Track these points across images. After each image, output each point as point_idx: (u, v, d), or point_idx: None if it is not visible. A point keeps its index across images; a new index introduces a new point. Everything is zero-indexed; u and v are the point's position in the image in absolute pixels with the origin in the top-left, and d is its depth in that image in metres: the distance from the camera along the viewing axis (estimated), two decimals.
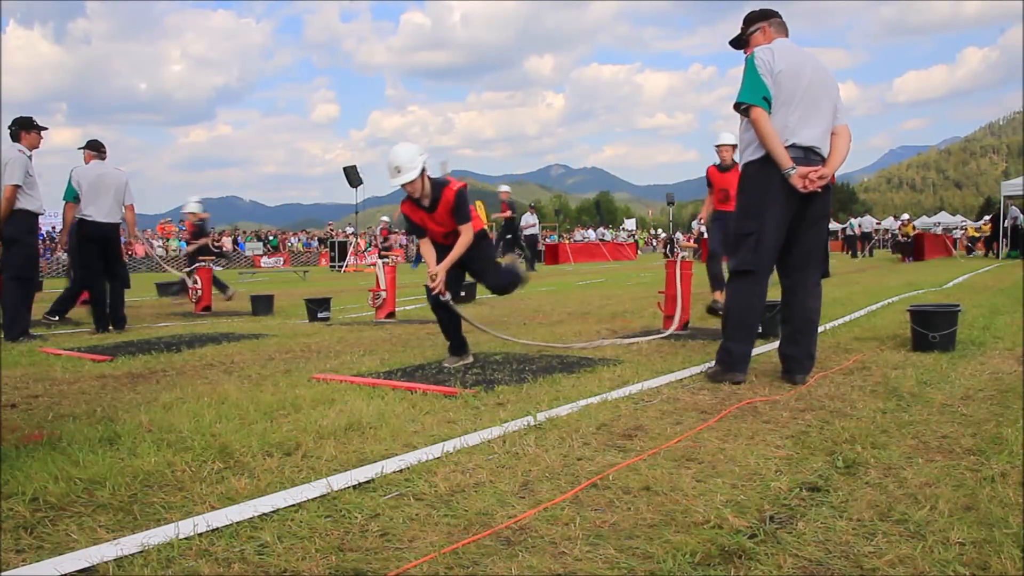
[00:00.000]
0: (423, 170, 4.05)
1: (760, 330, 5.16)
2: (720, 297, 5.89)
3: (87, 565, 1.65)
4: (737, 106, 3.54)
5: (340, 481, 2.17)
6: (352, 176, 23.37)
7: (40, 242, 6.58)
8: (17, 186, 5.97)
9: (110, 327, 6.67)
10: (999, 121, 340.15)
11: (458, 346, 4.37)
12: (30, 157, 6.21)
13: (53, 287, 9.31)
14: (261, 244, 33.54)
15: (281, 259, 31.15)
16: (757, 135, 3.45)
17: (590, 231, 42.46)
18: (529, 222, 21.98)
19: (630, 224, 48.12)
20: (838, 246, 32.26)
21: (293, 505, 2.00)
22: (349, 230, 33.00)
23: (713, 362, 3.80)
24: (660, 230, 48.17)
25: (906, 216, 25.49)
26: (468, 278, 4.60)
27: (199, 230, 11.09)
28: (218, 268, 10.03)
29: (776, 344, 4.86)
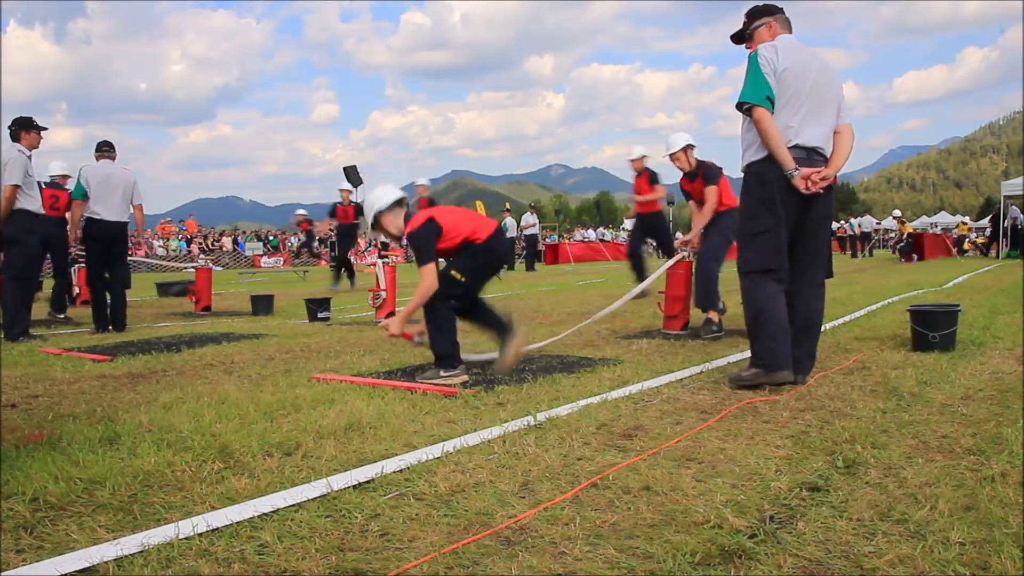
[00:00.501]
0: (384, 209, 3.91)
1: None
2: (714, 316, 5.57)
3: (87, 565, 1.65)
4: (739, 105, 3.47)
5: (340, 481, 2.17)
6: (352, 176, 23.35)
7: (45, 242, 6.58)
8: (17, 186, 5.97)
9: (109, 327, 6.67)
10: (999, 121, 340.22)
11: (501, 331, 3.92)
12: (30, 157, 6.20)
13: (50, 286, 9.29)
14: (261, 244, 33.53)
15: (281, 259, 31.16)
16: (760, 136, 3.39)
17: (590, 231, 42.44)
18: (529, 222, 21.98)
19: (630, 224, 48.18)
20: (835, 246, 32.24)
21: (293, 505, 2.00)
22: None
23: (743, 369, 3.57)
24: None
25: (897, 212, 24.52)
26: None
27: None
28: (218, 268, 10.12)
29: None
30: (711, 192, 5.63)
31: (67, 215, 7.11)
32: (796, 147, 3.40)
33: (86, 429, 2.84)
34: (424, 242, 3.72)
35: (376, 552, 1.70)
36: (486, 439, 2.63)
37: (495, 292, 10.73)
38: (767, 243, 3.44)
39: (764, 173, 3.43)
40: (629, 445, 2.54)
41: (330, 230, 12.38)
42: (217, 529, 1.84)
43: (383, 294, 7.28)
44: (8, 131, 6.32)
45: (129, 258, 7.95)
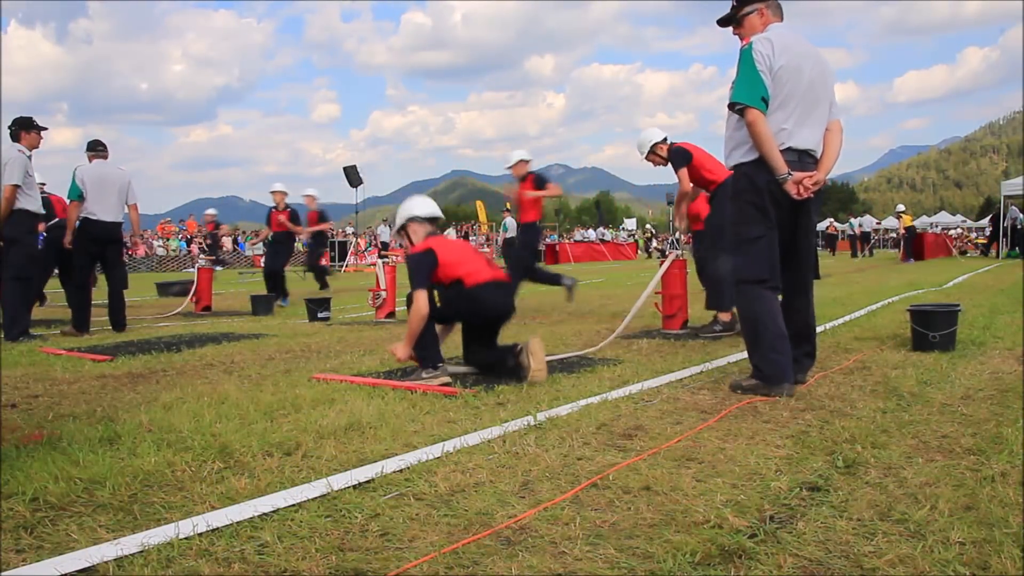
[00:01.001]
0: (401, 229, 4.03)
1: None
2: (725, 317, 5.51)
3: (87, 565, 1.65)
4: (731, 106, 3.31)
5: (340, 481, 2.17)
6: (352, 176, 23.38)
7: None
8: (17, 186, 5.97)
9: (88, 330, 6.60)
10: (999, 121, 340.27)
11: (512, 353, 3.80)
12: (30, 157, 6.20)
13: (53, 287, 9.29)
14: (261, 244, 33.55)
15: None
16: (752, 139, 3.25)
17: (590, 231, 42.43)
18: None
19: (630, 224, 48.09)
20: (844, 245, 32.10)
21: (293, 505, 2.00)
22: (349, 230, 33.01)
23: (744, 377, 3.48)
24: (650, 226, 47.96)
25: (901, 207, 23.75)
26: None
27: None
28: (218, 268, 9.97)
29: None
30: (679, 177, 5.54)
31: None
32: (788, 150, 3.28)
33: (86, 429, 2.84)
34: (417, 266, 3.75)
35: (376, 552, 1.70)
36: (486, 439, 2.63)
37: None
38: (760, 251, 3.34)
39: (754, 176, 3.31)
40: (629, 445, 2.54)
41: (266, 240, 10.99)
42: (217, 529, 1.84)
43: (383, 294, 7.29)
44: (8, 131, 6.31)
45: (129, 258, 7.94)
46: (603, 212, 54.89)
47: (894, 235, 27.32)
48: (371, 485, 2.16)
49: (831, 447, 2.44)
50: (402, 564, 1.63)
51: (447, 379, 3.71)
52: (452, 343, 4.44)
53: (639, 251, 34.50)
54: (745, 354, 4.45)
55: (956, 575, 1.53)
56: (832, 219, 35.22)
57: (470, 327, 3.94)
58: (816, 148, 3.40)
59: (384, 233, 30.41)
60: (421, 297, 3.65)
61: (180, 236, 32.11)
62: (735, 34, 3.57)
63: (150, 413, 3.10)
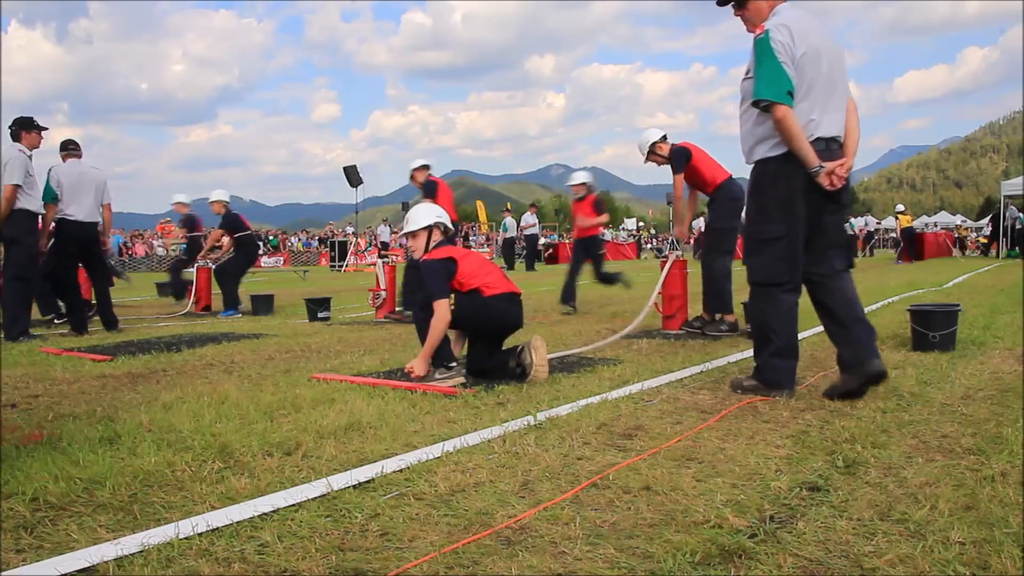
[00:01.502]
0: (428, 229, 3.96)
1: None
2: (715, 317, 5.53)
3: (87, 565, 1.65)
4: (756, 103, 3.12)
5: (340, 481, 2.17)
6: (352, 176, 23.39)
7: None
8: (17, 186, 5.97)
9: (87, 330, 6.59)
10: (999, 121, 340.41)
11: (516, 354, 3.81)
12: (30, 157, 6.20)
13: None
14: (261, 244, 33.56)
15: (281, 259, 31.17)
16: (782, 135, 3.08)
17: None
18: (529, 222, 22.00)
19: (631, 224, 48.07)
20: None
21: (293, 505, 2.00)
22: (349, 230, 33.03)
23: (746, 376, 3.39)
24: (651, 227, 47.92)
25: (900, 207, 23.47)
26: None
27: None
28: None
29: None
30: (674, 183, 5.53)
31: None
32: (817, 140, 3.11)
33: (86, 429, 2.84)
34: (437, 274, 3.72)
35: (376, 552, 1.70)
36: (486, 439, 2.63)
37: None
38: (780, 252, 3.16)
39: (782, 171, 3.13)
40: (629, 445, 2.54)
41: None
42: (217, 529, 1.84)
43: (383, 294, 7.29)
44: (8, 131, 6.31)
45: (129, 258, 7.87)
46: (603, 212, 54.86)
47: (894, 235, 27.14)
48: (371, 485, 2.16)
49: (831, 447, 2.44)
50: (402, 564, 1.63)
51: (461, 379, 3.69)
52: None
53: (639, 251, 34.49)
54: (745, 354, 4.46)
55: (956, 575, 1.53)
56: None
57: (477, 335, 3.94)
58: (841, 133, 3.25)
59: (384, 233, 30.42)
60: (444, 306, 3.65)
61: (180, 237, 32.12)
62: (736, 15, 3.39)
63: (150, 413, 3.10)
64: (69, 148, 6.76)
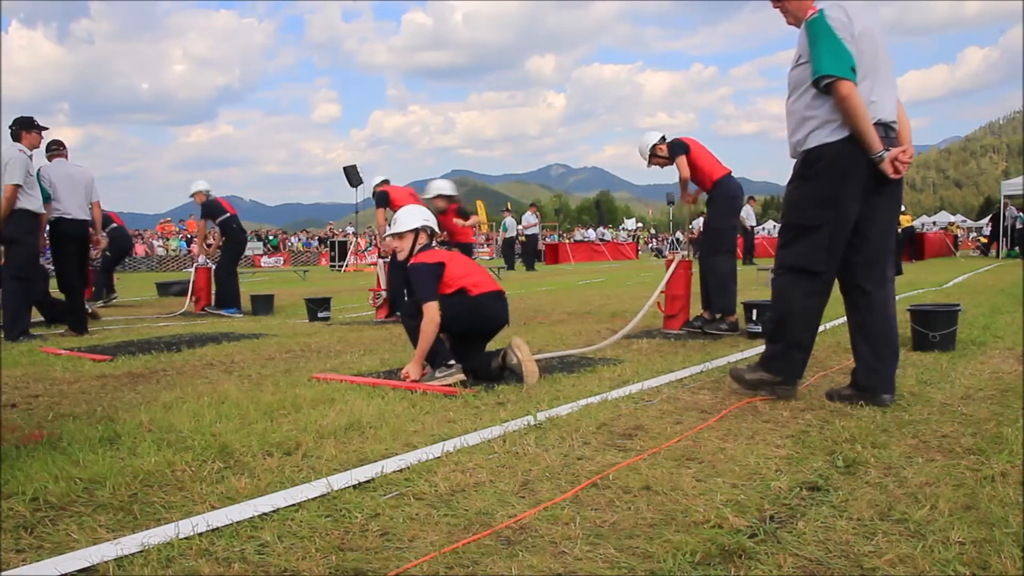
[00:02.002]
0: (415, 231, 3.96)
1: (759, 329, 5.16)
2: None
3: (87, 565, 1.65)
4: (818, 81, 2.88)
5: (340, 481, 2.17)
6: (352, 176, 23.38)
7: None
8: (18, 186, 5.97)
9: (87, 330, 6.57)
10: (999, 120, 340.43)
11: (501, 356, 3.85)
12: (31, 157, 6.21)
13: (52, 287, 9.27)
14: (261, 244, 33.55)
15: (281, 259, 31.18)
16: (845, 115, 2.86)
17: (590, 231, 42.45)
18: (530, 222, 22.00)
19: (631, 223, 48.08)
20: None
21: (293, 505, 2.00)
22: (349, 230, 33.03)
23: (749, 367, 3.26)
24: (654, 229, 47.94)
25: (901, 207, 23.46)
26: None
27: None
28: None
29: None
30: (678, 165, 5.48)
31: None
32: (878, 124, 2.92)
33: (86, 429, 2.84)
34: (426, 277, 3.73)
35: (376, 552, 1.70)
36: (486, 439, 2.63)
37: None
38: (819, 240, 2.99)
39: (841, 157, 2.92)
40: (629, 445, 2.54)
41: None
42: (217, 529, 1.84)
43: (383, 294, 7.29)
44: (9, 131, 6.31)
45: (129, 258, 7.86)
46: (603, 212, 54.91)
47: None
48: (371, 485, 2.16)
49: (831, 447, 2.44)
50: (402, 564, 1.63)
51: (461, 376, 3.70)
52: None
53: (639, 251, 34.49)
54: (744, 354, 4.46)
55: (956, 575, 1.53)
56: None
57: (462, 336, 3.94)
58: (896, 119, 3.06)
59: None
60: (434, 308, 3.66)
61: (180, 236, 32.13)
62: (776, 7, 3.21)
63: (150, 413, 3.10)
64: (54, 148, 6.79)
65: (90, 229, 6.87)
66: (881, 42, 3.00)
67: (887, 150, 2.88)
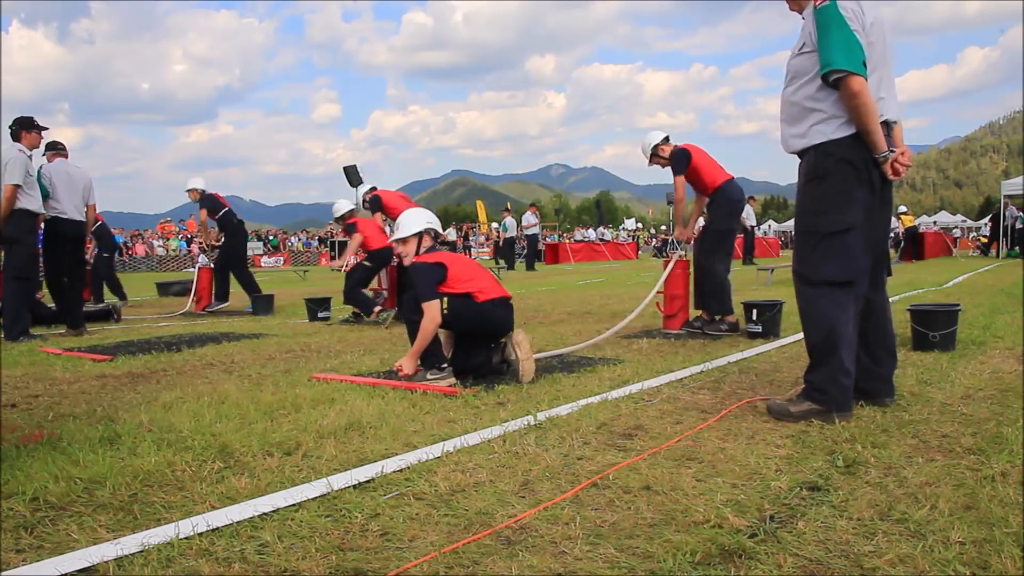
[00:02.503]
0: (418, 235, 3.96)
1: (760, 329, 5.16)
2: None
3: (87, 565, 1.65)
4: (827, 75, 2.71)
5: (340, 481, 2.17)
6: (352, 176, 23.35)
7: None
8: (18, 186, 5.97)
9: (85, 329, 6.59)
10: (999, 120, 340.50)
11: (501, 351, 3.92)
12: (30, 157, 6.21)
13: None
14: (261, 244, 33.57)
15: (281, 259, 31.18)
16: (853, 112, 2.71)
17: (590, 231, 42.46)
18: (530, 222, 22.00)
19: (631, 223, 48.09)
20: None
21: (293, 505, 2.00)
22: None
23: (791, 400, 2.93)
24: (661, 227, 47.97)
25: (902, 208, 23.22)
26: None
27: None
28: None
29: (776, 344, 4.87)
30: (675, 184, 5.50)
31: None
32: (882, 123, 2.80)
33: (86, 429, 2.84)
34: (427, 277, 3.73)
35: (376, 552, 1.70)
36: (486, 439, 2.63)
37: None
38: (849, 246, 2.78)
39: (847, 155, 2.78)
40: (629, 445, 2.54)
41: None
42: (217, 529, 1.84)
43: (384, 293, 7.30)
44: (8, 131, 6.32)
45: (129, 258, 7.87)
46: (603, 212, 54.91)
47: (893, 235, 27.02)
48: (371, 485, 2.16)
49: (831, 447, 2.44)
50: (402, 564, 1.63)
51: (452, 380, 3.71)
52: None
53: (639, 251, 34.48)
54: (744, 354, 4.46)
55: (956, 575, 1.53)
56: None
57: (465, 337, 3.95)
58: (897, 119, 2.96)
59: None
60: (435, 307, 3.67)
61: (180, 236, 32.14)
62: None
63: (150, 413, 3.10)
64: (56, 148, 6.79)
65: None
66: (888, 34, 2.88)
67: (891, 151, 2.78)
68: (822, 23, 2.74)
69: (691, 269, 5.66)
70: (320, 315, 7.34)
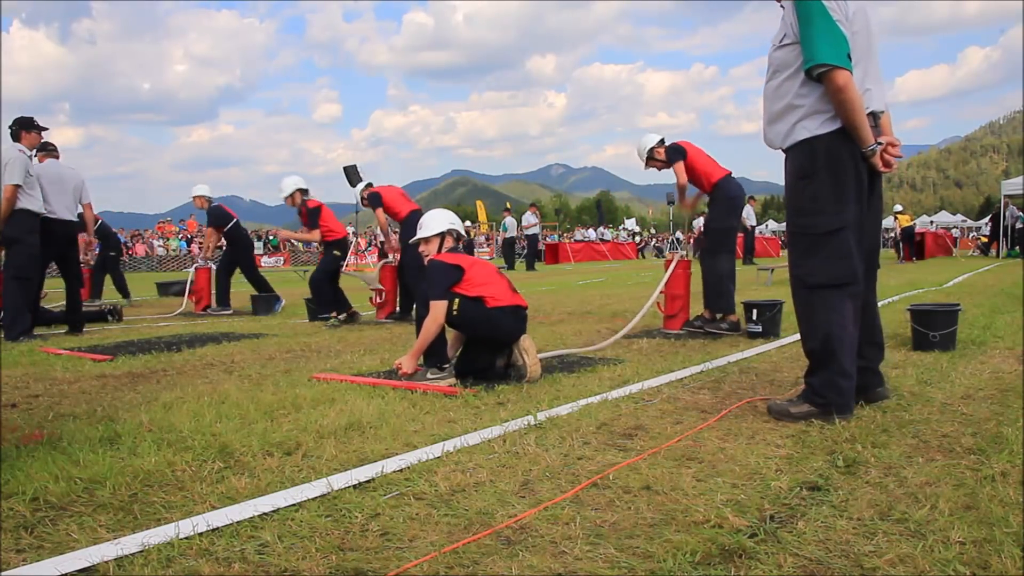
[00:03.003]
0: (440, 235, 3.99)
1: (760, 329, 5.16)
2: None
3: (87, 565, 1.65)
4: (811, 70, 2.66)
5: (340, 481, 2.17)
6: (352, 175, 23.37)
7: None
8: (18, 186, 5.98)
9: (83, 328, 6.61)
10: (999, 120, 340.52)
11: (508, 354, 3.92)
12: (31, 157, 6.21)
13: (53, 287, 9.26)
14: (261, 244, 33.55)
15: (281, 259, 31.18)
16: (839, 106, 2.66)
17: (590, 231, 42.45)
18: (530, 221, 22.00)
19: (631, 223, 48.10)
20: None
21: (293, 505, 2.00)
22: (350, 230, 33.02)
23: (791, 402, 2.90)
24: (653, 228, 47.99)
25: (898, 207, 23.02)
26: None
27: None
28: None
29: (776, 344, 4.87)
30: (676, 171, 5.48)
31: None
32: (869, 114, 2.75)
33: (86, 429, 2.84)
34: (440, 276, 3.72)
35: (376, 552, 1.70)
36: (486, 439, 2.63)
37: None
38: (843, 246, 2.75)
39: (834, 151, 2.72)
40: (629, 445, 2.54)
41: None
42: (217, 529, 1.84)
43: (384, 293, 7.30)
44: (9, 131, 6.32)
45: (129, 258, 7.89)
46: (603, 212, 54.93)
47: (893, 235, 26.98)
48: (371, 485, 2.16)
49: (831, 446, 2.44)
50: (402, 564, 1.63)
51: (453, 380, 3.71)
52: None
53: (638, 251, 34.50)
54: (744, 354, 4.46)
55: (956, 575, 1.53)
56: None
57: (474, 340, 3.94)
58: (884, 108, 2.90)
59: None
60: (441, 307, 3.65)
61: (180, 236, 32.14)
62: None
63: (150, 413, 3.10)
64: (46, 149, 6.78)
65: (82, 231, 6.91)
66: (871, 21, 2.81)
67: (879, 143, 2.73)
68: (803, 15, 2.69)
69: (693, 269, 5.67)
70: (320, 315, 7.34)
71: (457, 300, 3.72)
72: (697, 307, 5.75)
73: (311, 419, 2.93)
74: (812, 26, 2.65)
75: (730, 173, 5.60)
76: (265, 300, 8.48)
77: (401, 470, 2.29)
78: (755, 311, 5.24)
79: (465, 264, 3.83)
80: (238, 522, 1.88)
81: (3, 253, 6.35)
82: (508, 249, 21.57)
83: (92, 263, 10.38)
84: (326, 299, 7.16)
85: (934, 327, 4.36)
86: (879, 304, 3.06)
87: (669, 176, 5.66)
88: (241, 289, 8.87)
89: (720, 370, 3.98)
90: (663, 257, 25.52)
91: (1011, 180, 22.94)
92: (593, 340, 5.23)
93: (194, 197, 9.04)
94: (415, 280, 4.03)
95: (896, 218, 21.38)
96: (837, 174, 2.74)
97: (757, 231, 23.10)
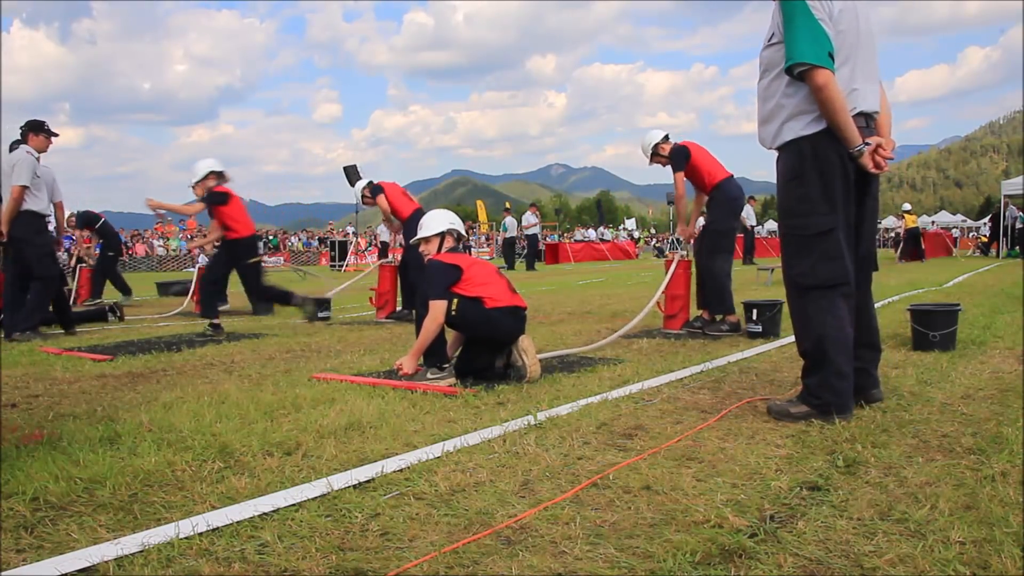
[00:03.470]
0: (440, 235, 4.00)
1: (760, 329, 5.16)
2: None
3: (87, 565, 1.65)
4: (791, 68, 2.66)
5: (340, 480, 2.17)
6: (352, 175, 23.36)
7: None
8: (25, 187, 6.01)
9: (75, 328, 6.64)
10: (999, 120, 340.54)
11: (507, 355, 3.91)
12: (38, 159, 6.24)
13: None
14: (261, 244, 33.59)
15: (281, 259, 31.20)
16: (822, 106, 2.65)
17: (590, 231, 42.44)
18: (530, 221, 22.00)
19: (631, 223, 48.10)
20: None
21: (293, 505, 2.00)
22: (350, 230, 33.03)
23: (790, 402, 2.91)
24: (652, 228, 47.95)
25: (907, 206, 22.91)
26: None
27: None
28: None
29: (776, 344, 4.87)
30: (675, 180, 5.49)
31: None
32: (859, 115, 2.74)
33: (86, 429, 2.84)
34: (439, 275, 3.72)
35: (376, 552, 1.70)
36: (486, 438, 2.63)
37: None
38: (834, 247, 2.74)
39: (821, 152, 2.72)
40: (629, 444, 2.54)
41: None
42: (217, 529, 1.84)
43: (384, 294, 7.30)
44: (19, 131, 6.38)
45: (129, 258, 7.90)
46: (604, 211, 54.90)
47: (893, 234, 26.81)
48: (371, 485, 2.16)
49: (831, 446, 2.44)
50: (402, 564, 1.63)
51: (452, 380, 3.71)
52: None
53: (638, 251, 34.49)
54: (744, 354, 4.46)
55: (956, 574, 1.53)
56: None
57: (473, 340, 3.94)
58: (878, 108, 2.88)
59: (384, 232, 30.44)
60: (440, 306, 3.65)
61: (180, 236, 32.14)
62: None
63: (150, 413, 3.10)
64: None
65: (76, 232, 6.95)
66: (864, 20, 2.80)
67: (867, 144, 2.70)
68: (787, 14, 2.68)
69: (692, 269, 5.66)
70: (320, 315, 7.34)
71: (456, 300, 3.72)
72: (695, 308, 5.75)
73: (311, 419, 2.93)
74: (793, 24, 2.65)
75: (731, 175, 5.60)
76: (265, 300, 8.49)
77: (401, 470, 2.29)
78: (755, 311, 5.24)
79: (464, 264, 3.83)
80: (238, 522, 1.88)
81: (8, 253, 6.37)
82: (508, 249, 21.57)
83: (92, 263, 10.36)
84: (212, 306, 6.42)
85: (934, 327, 4.36)
86: (878, 304, 3.06)
87: (669, 175, 5.66)
88: (242, 289, 8.86)
89: (720, 370, 3.98)
90: (663, 257, 25.50)
91: (1011, 180, 22.93)
92: (593, 340, 5.23)
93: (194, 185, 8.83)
94: (419, 279, 4.02)
95: (903, 217, 21.26)
96: (826, 175, 2.73)
97: (756, 231, 23.09)
